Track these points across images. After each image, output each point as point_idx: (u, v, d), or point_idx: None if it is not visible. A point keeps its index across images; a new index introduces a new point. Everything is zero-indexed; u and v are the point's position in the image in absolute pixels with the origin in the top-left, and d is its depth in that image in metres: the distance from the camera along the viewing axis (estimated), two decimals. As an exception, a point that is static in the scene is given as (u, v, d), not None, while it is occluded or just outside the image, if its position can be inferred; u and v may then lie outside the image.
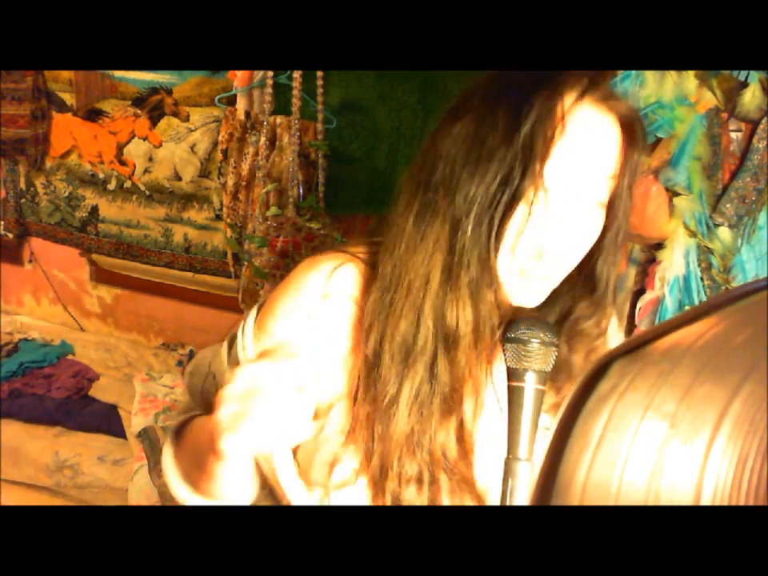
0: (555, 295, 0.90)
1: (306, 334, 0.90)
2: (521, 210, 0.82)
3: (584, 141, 0.83)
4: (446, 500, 0.87)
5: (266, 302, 0.95)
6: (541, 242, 0.83)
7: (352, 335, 0.89)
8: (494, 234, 0.83)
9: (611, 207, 0.86)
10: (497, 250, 0.84)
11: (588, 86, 0.83)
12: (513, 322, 0.83)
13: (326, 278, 0.90)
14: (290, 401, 0.72)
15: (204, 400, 0.97)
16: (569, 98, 0.82)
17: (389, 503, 0.87)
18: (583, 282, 0.91)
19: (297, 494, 0.90)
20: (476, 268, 0.84)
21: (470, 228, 0.83)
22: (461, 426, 0.87)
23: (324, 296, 0.89)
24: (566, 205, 0.83)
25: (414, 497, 0.86)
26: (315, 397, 0.77)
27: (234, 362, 0.93)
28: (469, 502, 0.89)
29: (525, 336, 0.81)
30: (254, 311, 0.95)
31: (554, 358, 0.82)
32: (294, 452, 0.92)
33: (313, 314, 0.89)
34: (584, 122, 0.83)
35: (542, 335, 0.81)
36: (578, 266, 0.88)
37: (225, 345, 0.97)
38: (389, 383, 0.85)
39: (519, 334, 0.81)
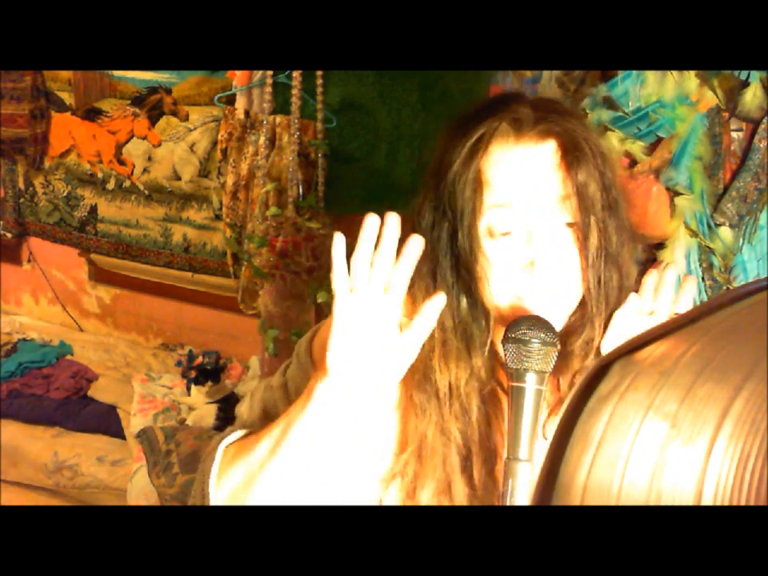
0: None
1: None
2: (477, 263, 0.84)
3: (517, 177, 0.83)
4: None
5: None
6: (517, 285, 0.84)
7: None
8: (460, 292, 0.86)
9: (581, 226, 0.85)
10: (470, 305, 0.86)
11: (505, 128, 0.84)
12: (514, 322, 0.83)
13: None
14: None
15: (265, 417, 0.97)
16: (482, 147, 0.83)
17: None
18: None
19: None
20: (447, 327, 0.87)
21: (439, 290, 0.85)
22: (479, 475, 0.88)
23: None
24: (530, 236, 0.84)
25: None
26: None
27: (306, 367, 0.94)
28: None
29: (526, 336, 0.80)
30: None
31: (555, 358, 0.82)
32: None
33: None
34: (512, 160, 0.84)
35: (542, 335, 0.81)
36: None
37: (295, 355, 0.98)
38: (411, 440, 0.88)
39: (520, 334, 0.81)
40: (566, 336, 0.89)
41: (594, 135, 0.88)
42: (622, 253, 0.87)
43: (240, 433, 0.92)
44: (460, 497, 0.87)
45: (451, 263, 0.86)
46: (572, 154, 0.83)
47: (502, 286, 0.85)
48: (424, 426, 0.88)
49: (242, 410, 0.98)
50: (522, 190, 0.83)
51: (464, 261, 0.85)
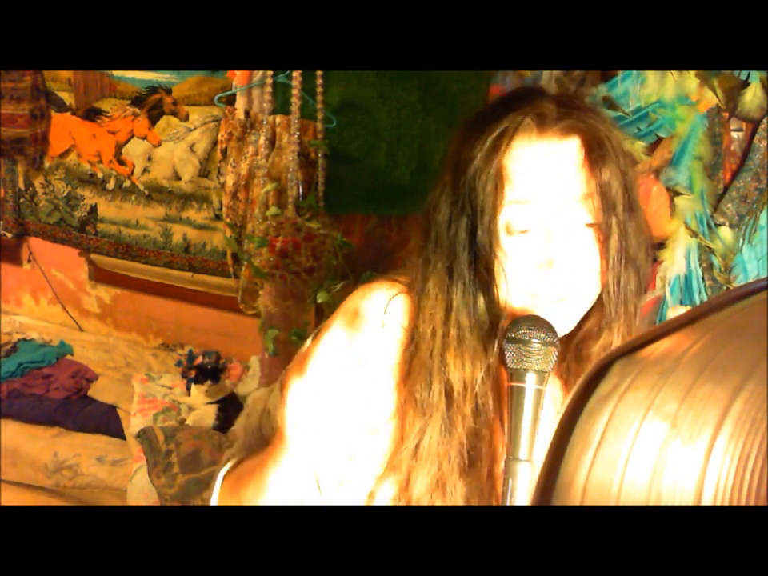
0: None
1: (365, 360, 0.90)
2: (496, 259, 0.83)
3: (539, 173, 0.82)
4: None
5: (321, 331, 0.94)
6: (533, 284, 0.83)
7: (401, 366, 0.89)
8: (477, 289, 0.84)
9: (602, 227, 0.84)
10: (487, 303, 0.84)
11: (528, 124, 0.82)
12: (513, 322, 0.83)
13: (384, 307, 0.89)
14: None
15: (260, 438, 0.97)
16: (505, 142, 0.82)
17: None
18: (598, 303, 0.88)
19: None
20: (464, 325, 0.85)
21: (457, 287, 0.85)
22: (481, 476, 0.87)
23: (383, 324, 0.89)
24: (549, 235, 0.83)
25: None
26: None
27: None
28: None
29: (525, 336, 0.80)
30: (309, 340, 0.95)
31: (555, 358, 0.82)
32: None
33: (373, 341, 0.89)
34: (534, 155, 0.82)
35: (542, 335, 0.81)
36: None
37: (279, 382, 0.97)
38: (409, 437, 0.86)
39: (520, 334, 0.81)
40: (583, 340, 0.89)
41: (616, 133, 0.86)
42: (640, 255, 0.86)
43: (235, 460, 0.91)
44: (455, 496, 0.86)
45: (469, 259, 0.85)
46: (596, 152, 0.82)
47: (518, 284, 0.84)
48: (424, 422, 0.86)
49: (238, 428, 0.95)
50: (543, 187, 0.82)
51: (483, 257, 0.84)
